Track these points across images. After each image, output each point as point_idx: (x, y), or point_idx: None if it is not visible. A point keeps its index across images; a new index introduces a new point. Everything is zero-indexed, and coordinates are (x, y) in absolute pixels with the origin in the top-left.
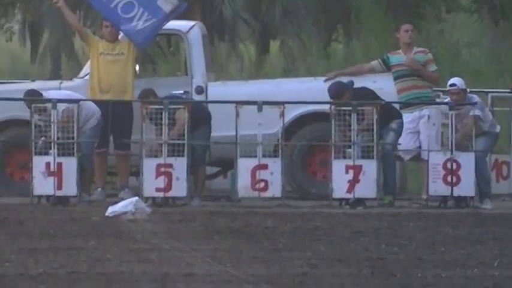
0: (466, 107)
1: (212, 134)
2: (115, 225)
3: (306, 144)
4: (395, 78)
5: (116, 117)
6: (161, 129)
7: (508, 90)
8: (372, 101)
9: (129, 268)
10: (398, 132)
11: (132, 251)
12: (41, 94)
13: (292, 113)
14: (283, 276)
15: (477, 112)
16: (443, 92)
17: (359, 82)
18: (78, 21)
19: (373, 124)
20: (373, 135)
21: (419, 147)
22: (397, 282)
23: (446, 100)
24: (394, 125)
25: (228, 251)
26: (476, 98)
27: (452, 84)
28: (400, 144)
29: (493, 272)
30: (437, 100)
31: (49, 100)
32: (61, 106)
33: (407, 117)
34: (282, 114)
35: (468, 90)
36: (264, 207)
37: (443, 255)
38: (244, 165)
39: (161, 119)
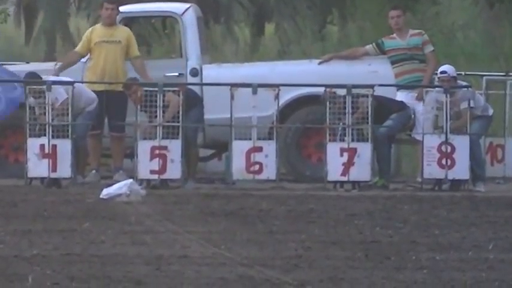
0: (457, 93)
1: (207, 117)
2: (109, 207)
3: (300, 126)
4: (393, 62)
5: (110, 99)
6: (155, 111)
7: (503, 73)
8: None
9: (123, 250)
10: (399, 120)
11: (126, 233)
12: (41, 77)
13: (287, 95)
14: (277, 259)
15: (471, 104)
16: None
17: (354, 65)
18: (70, 59)
19: (367, 113)
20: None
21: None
22: (391, 265)
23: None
24: (395, 114)
25: (223, 234)
26: (468, 92)
27: (443, 72)
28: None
29: (487, 255)
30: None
31: (45, 82)
32: (62, 95)
33: (404, 96)
34: (277, 97)
35: (463, 73)
36: (258, 189)
37: (438, 238)
38: (239, 148)
39: (154, 101)
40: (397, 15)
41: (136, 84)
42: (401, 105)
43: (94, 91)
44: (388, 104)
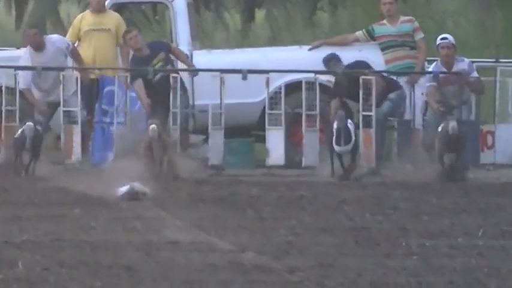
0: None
1: (197, 103)
2: (99, 194)
3: (290, 112)
4: (383, 49)
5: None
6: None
7: (493, 60)
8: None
9: (113, 236)
10: (396, 103)
11: (117, 219)
12: None
13: (277, 81)
14: (268, 245)
15: (475, 74)
16: (428, 61)
17: (344, 52)
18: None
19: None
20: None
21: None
22: (381, 252)
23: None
24: (392, 95)
25: (213, 220)
26: (467, 61)
27: (444, 38)
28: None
29: (477, 242)
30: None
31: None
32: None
33: None
34: (267, 83)
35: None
36: (249, 176)
37: (428, 224)
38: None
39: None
40: (390, 1)
41: (135, 30)
42: (398, 84)
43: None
44: (388, 83)
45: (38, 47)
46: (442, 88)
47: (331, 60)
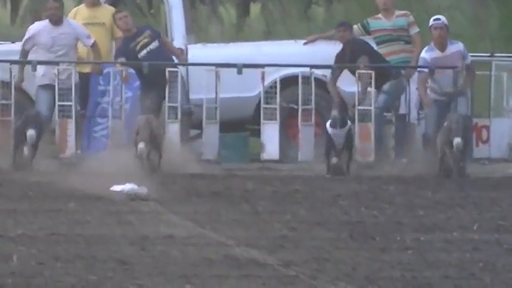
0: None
1: (192, 97)
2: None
3: (286, 107)
4: (378, 43)
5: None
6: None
7: (488, 54)
8: (366, 53)
9: (108, 230)
10: (391, 94)
11: (112, 213)
12: None
13: (273, 76)
14: (263, 239)
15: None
16: None
17: (339, 46)
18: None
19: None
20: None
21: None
22: (376, 246)
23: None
24: (386, 86)
25: (208, 214)
26: (461, 44)
27: (437, 19)
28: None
29: (472, 236)
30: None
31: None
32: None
33: None
34: (263, 77)
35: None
36: (244, 170)
37: (423, 219)
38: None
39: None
40: None
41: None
42: (398, 72)
43: (80, 72)
44: (385, 71)
45: (57, 21)
46: (436, 75)
47: (342, 25)
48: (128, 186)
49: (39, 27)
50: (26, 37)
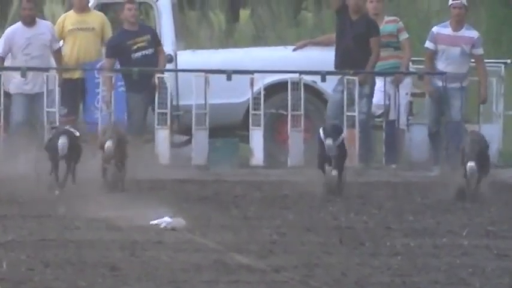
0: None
1: (182, 103)
2: (84, 193)
3: (275, 112)
4: None
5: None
6: None
7: None
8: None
9: (98, 235)
10: (371, 96)
11: (101, 218)
12: None
13: (262, 81)
14: (252, 244)
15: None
16: (413, 61)
17: (328, 51)
18: None
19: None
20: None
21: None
22: (365, 251)
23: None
24: (366, 89)
25: (197, 219)
26: (476, 32)
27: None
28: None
29: (461, 241)
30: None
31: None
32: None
33: (380, 82)
34: (252, 83)
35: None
36: (233, 175)
37: (412, 224)
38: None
39: None
40: (376, 0)
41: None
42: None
43: (69, 78)
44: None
45: (31, 22)
46: (447, 50)
47: None
48: (165, 220)
49: (13, 29)
50: (1, 43)
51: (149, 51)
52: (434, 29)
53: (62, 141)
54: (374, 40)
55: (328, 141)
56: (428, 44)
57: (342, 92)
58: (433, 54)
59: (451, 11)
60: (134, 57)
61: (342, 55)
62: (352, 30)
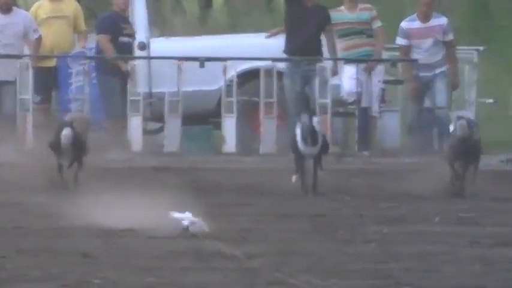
0: (435, 20)
1: (155, 90)
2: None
3: (248, 100)
4: (340, 36)
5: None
6: None
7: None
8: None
9: (72, 223)
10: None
11: (77, 205)
12: None
13: (236, 69)
14: (227, 232)
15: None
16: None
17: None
18: None
19: None
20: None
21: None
22: (340, 238)
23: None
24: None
25: (172, 206)
26: (445, 18)
27: None
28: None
29: (434, 228)
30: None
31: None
32: None
33: (352, 69)
34: (225, 70)
35: None
36: (208, 162)
37: (386, 211)
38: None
39: None
40: None
41: None
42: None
43: (43, 67)
44: None
45: (7, 9)
46: (420, 43)
47: None
48: (187, 217)
49: None
50: None
51: (132, 40)
52: (403, 24)
53: (66, 132)
54: (379, 29)
55: (308, 150)
56: (400, 41)
57: (300, 80)
58: (407, 50)
59: (419, 4)
60: (121, 41)
61: (306, 42)
62: (312, 18)
